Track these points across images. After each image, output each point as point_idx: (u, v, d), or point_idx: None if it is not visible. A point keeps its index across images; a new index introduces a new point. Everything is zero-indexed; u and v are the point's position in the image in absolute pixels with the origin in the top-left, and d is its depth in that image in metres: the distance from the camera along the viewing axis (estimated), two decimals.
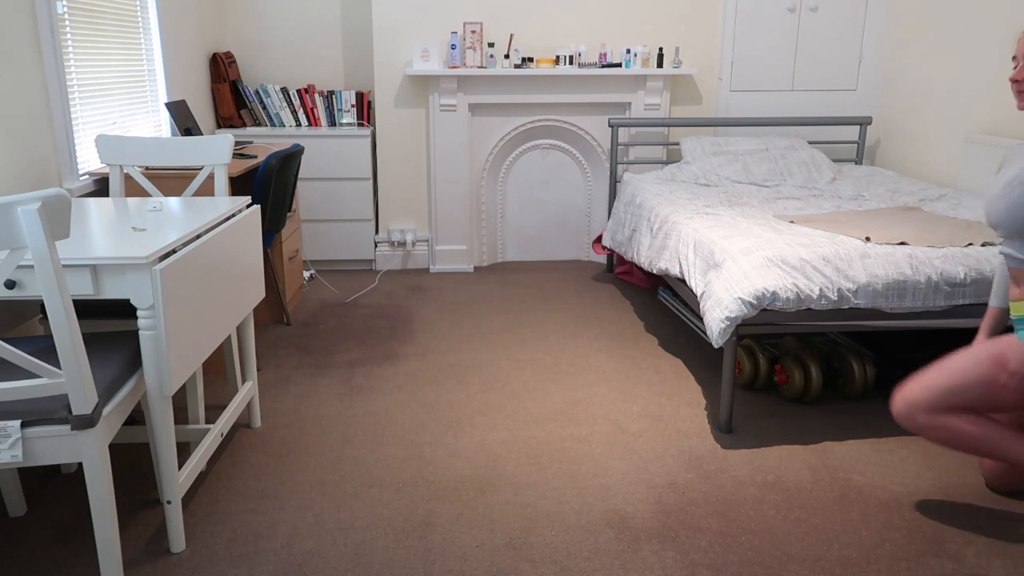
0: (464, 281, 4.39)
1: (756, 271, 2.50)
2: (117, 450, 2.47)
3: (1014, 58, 2.09)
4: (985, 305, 2.61)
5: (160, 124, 3.73)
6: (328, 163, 4.40)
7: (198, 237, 2.04)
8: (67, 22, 2.87)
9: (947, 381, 2.04)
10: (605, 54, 4.40)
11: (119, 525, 2.08)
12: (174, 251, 1.91)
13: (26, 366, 1.58)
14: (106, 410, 1.74)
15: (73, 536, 2.03)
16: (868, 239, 2.72)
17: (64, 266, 1.72)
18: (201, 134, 3.84)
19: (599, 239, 4.53)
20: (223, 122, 4.38)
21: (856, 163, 4.61)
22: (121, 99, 3.34)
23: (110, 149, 2.62)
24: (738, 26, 4.52)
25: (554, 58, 4.41)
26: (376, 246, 4.62)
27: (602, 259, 4.78)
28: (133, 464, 2.40)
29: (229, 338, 2.52)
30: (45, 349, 1.90)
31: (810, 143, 4.59)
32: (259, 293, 2.52)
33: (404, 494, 2.24)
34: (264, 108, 4.44)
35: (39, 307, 2.62)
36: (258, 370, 3.12)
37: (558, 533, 2.06)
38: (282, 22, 4.56)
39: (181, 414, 2.67)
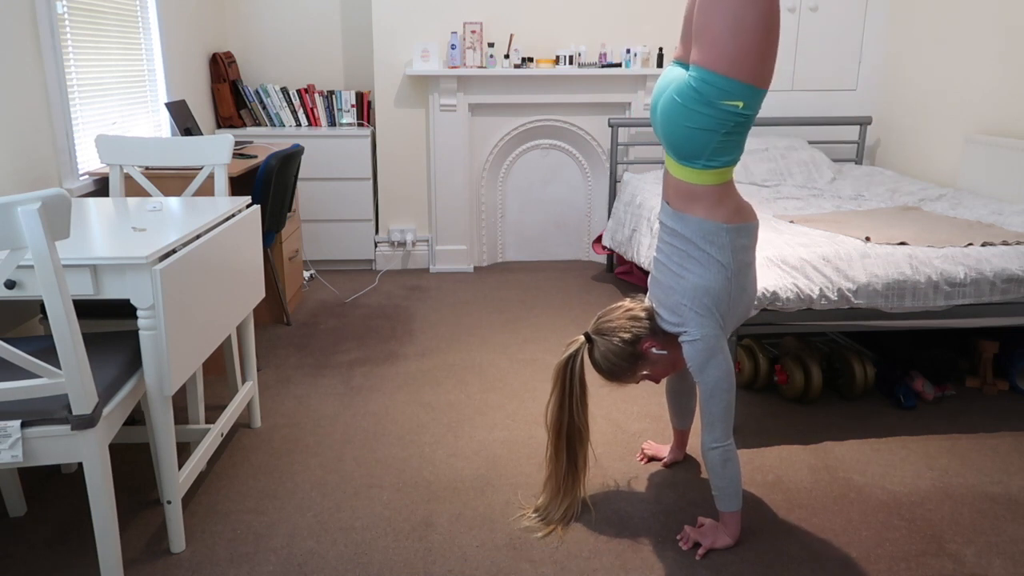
0: (464, 281, 4.39)
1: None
2: (117, 450, 2.47)
3: None
4: (985, 305, 2.62)
5: (160, 124, 3.73)
6: (328, 163, 4.40)
7: (198, 237, 2.04)
8: (67, 22, 2.87)
9: None
10: (605, 54, 4.40)
11: (119, 525, 2.08)
12: (174, 251, 1.91)
13: (26, 366, 1.58)
14: (106, 410, 1.74)
15: (73, 536, 2.03)
16: (868, 239, 2.72)
17: (64, 266, 1.72)
18: (201, 134, 3.84)
19: (599, 239, 4.53)
20: (223, 122, 4.38)
21: (856, 163, 4.61)
22: (121, 99, 3.34)
23: (110, 149, 2.62)
24: None
25: (554, 58, 4.41)
26: (376, 246, 4.62)
27: (602, 259, 4.78)
28: (133, 464, 2.40)
29: (229, 338, 2.52)
30: (45, 349, 1.90)
31: (810, 143, 4.59)
32: (259, 293, 2.52)
33: (404, 494, 2.24)
34: (264, 108, 4.44)
35: (39, 307, 2.62)
36: (258, 370, 3.12)
37: (558, 533, 2.05)
38: (282, 22, 4.56)
39: (181, 414, 2.67)
